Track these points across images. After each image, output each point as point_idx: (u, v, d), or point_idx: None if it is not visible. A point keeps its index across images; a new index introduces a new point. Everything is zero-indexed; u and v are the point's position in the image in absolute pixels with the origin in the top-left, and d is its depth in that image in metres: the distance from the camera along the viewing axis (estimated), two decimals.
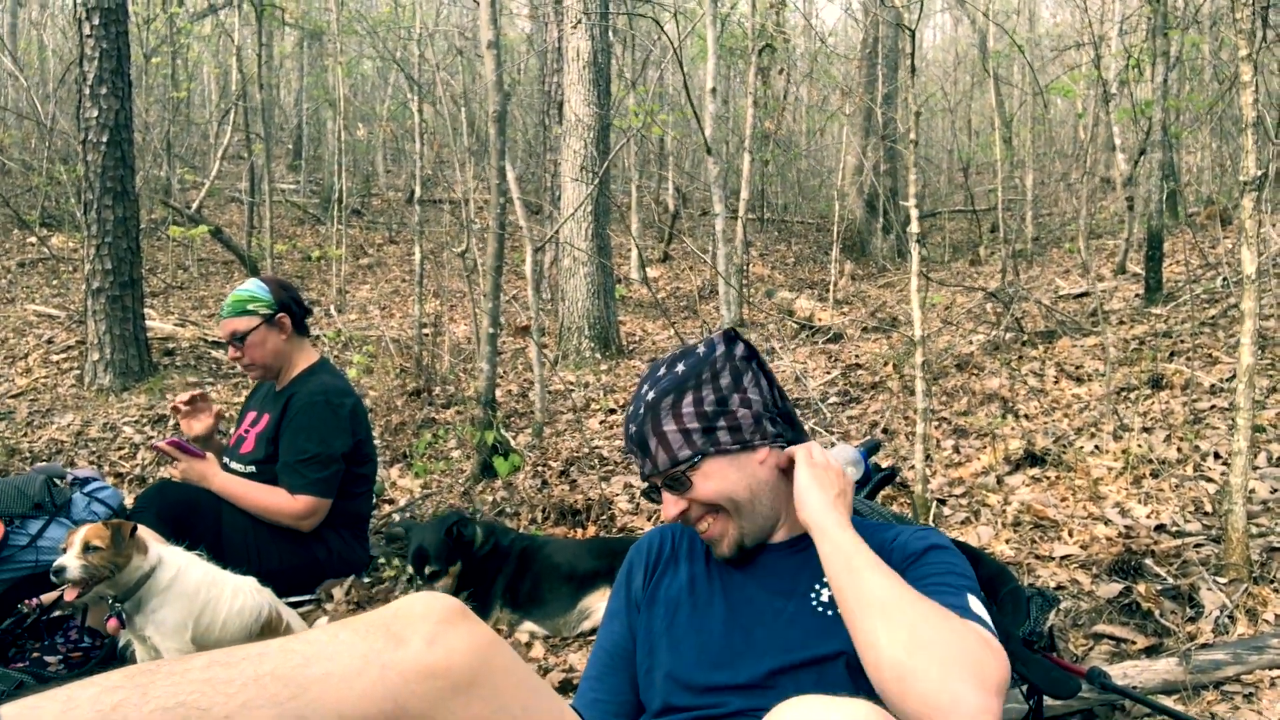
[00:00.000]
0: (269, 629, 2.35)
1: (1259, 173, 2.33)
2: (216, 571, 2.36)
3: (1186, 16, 8.51)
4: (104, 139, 6.04)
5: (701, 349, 1.53)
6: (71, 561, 2.17)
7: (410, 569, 2.82)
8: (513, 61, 15.19)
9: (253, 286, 3.11)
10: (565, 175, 7.03)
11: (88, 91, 6.03)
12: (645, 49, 12.53)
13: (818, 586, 1.43)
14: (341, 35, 11.50)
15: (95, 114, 6.04)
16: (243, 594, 2.33)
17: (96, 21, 5.99)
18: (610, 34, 8.12)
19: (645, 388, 1.52)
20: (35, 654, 2.53)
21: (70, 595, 2.19)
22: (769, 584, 1.47)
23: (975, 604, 1.29)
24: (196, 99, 15.72)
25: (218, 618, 2.26)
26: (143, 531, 2.30)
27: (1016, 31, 16.80)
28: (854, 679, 1.31)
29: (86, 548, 2.18)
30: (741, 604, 1.46)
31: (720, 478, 1.46)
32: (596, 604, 2.65)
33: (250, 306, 3.05)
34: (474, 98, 10.57)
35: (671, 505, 1.47)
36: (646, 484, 1.53)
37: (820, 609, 1.41)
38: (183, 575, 2.28)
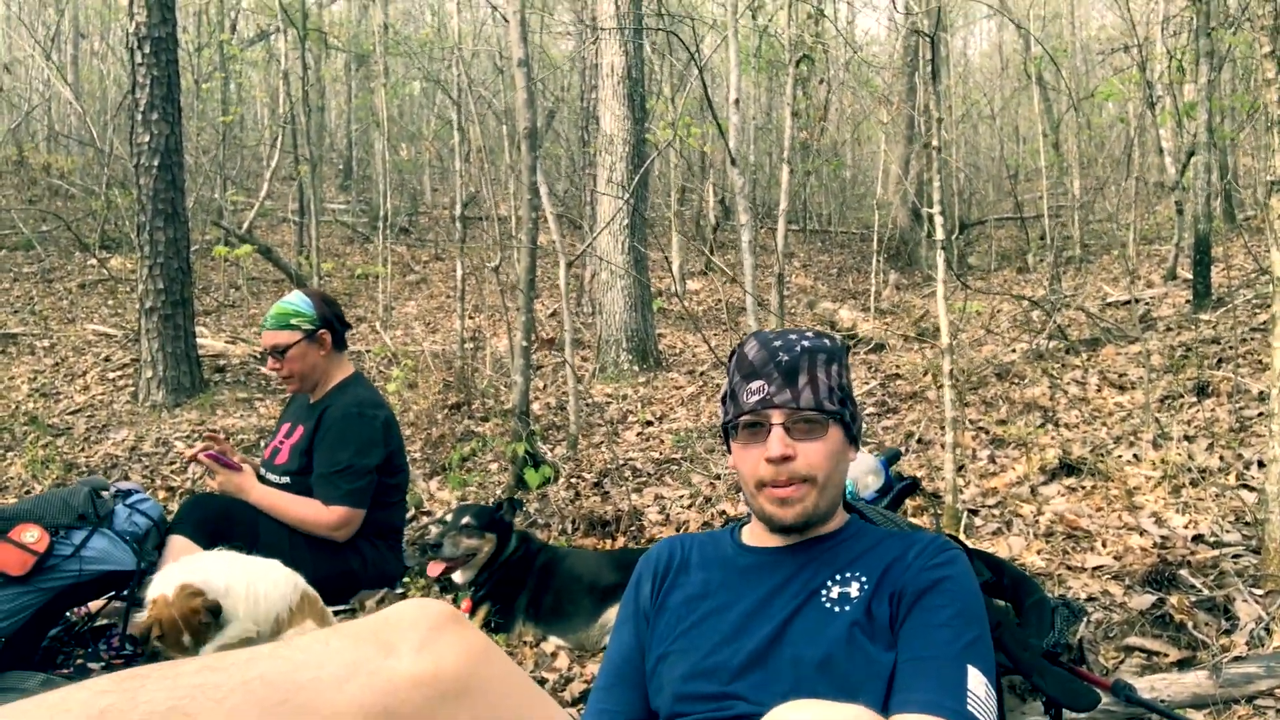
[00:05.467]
0: (307, 600, 2.39)
1: None
2: (242, 561, 2.39)
3: (1236, 15, 8.31)
4: (155, 163, 6.23)
5: (831, 341, 1.54)
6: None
7: (449, 516, 2.89)
8: (556, 79, 15.34)
9: (297, 300, 3.15)
10: (600, 190, 7.09)
11: (140, 118, 6.23)
12: (681, 63, 12.57)
13: (829, 583, 1.44)
14: (386, 57, 11.72)
15: (147, 139, 6.23)
16: (272, 571, 2.37)
17: (147, 50, 6.19)
18: (647, 48, 8.17)
19: (793, 335, 1.52)
20: (80, 660, 2.62)
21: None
22: (781, 584, 1.47)
23: (972, 677, 1.28)
24: (249, 122, 16.13)
25: (258, 596, 2.29)
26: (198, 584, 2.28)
27: (1062, 36, 16.52)
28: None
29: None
30: (755, 605, 1.47)
31: (836, 449, 1.48)
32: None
33: (294, 321, 3.11)
34: (516, 115, 10.69)
35: (782, 444, 1.42)
36: (750, 415, 1.46)
37: (830, 605, 1.41)
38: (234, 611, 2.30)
